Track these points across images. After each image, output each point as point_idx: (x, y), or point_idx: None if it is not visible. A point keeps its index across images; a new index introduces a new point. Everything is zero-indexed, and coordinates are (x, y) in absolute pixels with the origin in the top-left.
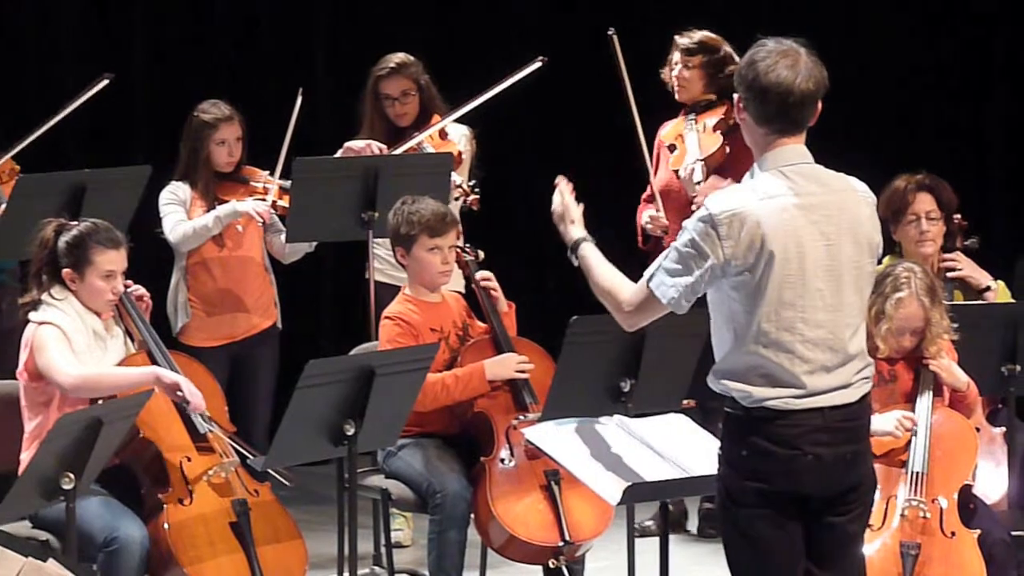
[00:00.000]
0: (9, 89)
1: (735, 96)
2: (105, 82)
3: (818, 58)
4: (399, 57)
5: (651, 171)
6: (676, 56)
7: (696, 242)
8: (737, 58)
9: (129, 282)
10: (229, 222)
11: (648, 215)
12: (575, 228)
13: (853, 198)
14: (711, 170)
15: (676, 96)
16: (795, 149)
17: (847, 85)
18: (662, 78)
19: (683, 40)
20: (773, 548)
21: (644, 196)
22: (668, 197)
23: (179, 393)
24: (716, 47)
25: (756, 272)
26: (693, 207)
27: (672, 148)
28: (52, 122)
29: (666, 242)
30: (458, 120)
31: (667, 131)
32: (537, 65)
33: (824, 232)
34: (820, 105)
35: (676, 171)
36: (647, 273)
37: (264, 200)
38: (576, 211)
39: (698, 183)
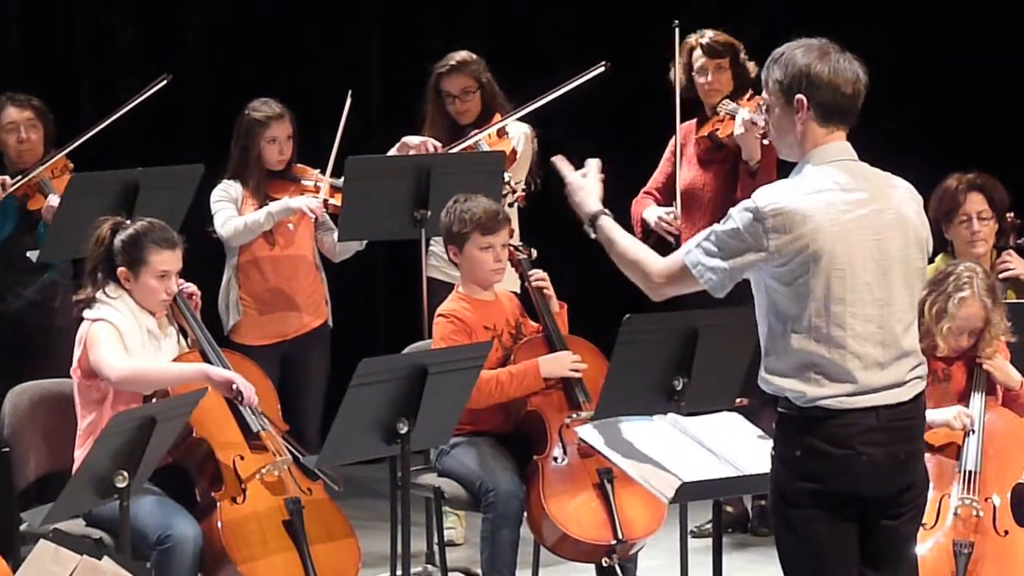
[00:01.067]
0: (64, 87)
1: (797, 96)
2: (164, 82)
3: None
4: (461, 55)
5: (677, 168)
6: (701, 61)
7: (740, 232)
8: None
9: (180, 280)
10: (282, 219)
11: (658, 214)
12: (593, 201)
13: (899, 194)
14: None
15: (705, 99)
16: (840, 145)
17: (898, 84)
18: (668, 77)
19: (705, 40)
20: (828, 549)
21: (644, 189)
22: (691, 197)
23: (233, 387)
24: (736, 45)
25: (803, 266)
26: (750, 161)
27: (711, 136)
28: (109, 120)
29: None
30: (520, 119)
31: (694, 128)
32: (600, 69)
33: (872, 226)
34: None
35: (729, 135)
36: (683, 249)
37: (316, 198)
38: (596, 187)
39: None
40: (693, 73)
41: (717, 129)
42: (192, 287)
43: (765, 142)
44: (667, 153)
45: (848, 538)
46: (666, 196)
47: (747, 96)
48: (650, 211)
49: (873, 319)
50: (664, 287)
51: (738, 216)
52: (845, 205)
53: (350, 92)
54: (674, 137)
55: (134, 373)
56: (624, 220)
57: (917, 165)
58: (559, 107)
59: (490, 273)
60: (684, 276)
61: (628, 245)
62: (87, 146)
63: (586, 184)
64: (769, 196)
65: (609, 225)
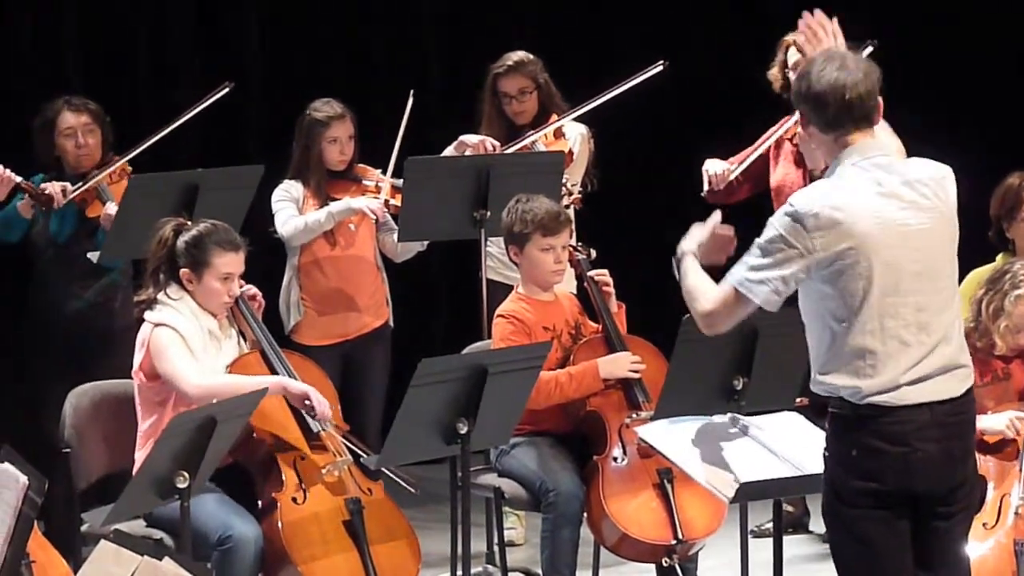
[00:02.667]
0: (121, 90)
1: (798, 111)
2: (226, 90)
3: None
4: (518, 55)
5: (770, 163)
6: (794, 57)
7: (784, 237)
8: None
9: (242, 282)
10: (342, 219)
11: (723, 167)
12: (688, 242)
13: (940, 182)
14: None
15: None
16: (867, 142)
17: (955, 80)
18: (768, 78)
19: (799, 39)
20: (884, 549)
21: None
22: (779, 193)
23: (307, 402)
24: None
25: (849, 263)
26: (813, 170)
27: (793, 138)
28: (172, 127)
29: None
30: (577, 119)
31: (787, 127)
32: (658, 68)
33: (913, 216)
34: (881, 99)
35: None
36: (728, 275)
37: (377, 198)
38: (702, 233)
39: None
40: (787, 70)
41: (797, 132)
42: (254, 289)
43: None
44: (762, 145)
45: (903, 538)
46: (750, 180)
47: None
48: (717, 163)
49: (925, 307)
50: (714, 316)
51: (778, 223)
52: (883, 199)
53: (412, 93)
54: (770, 130)
55: (212, 390)
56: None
57: (978, 163)
58: (619, 104)
59: (551, 274)
60: (736, 300)
61: (692, 279)
62: (146, 148)
63: (695, 229)
64: (806, 198)
65: (688, 265)
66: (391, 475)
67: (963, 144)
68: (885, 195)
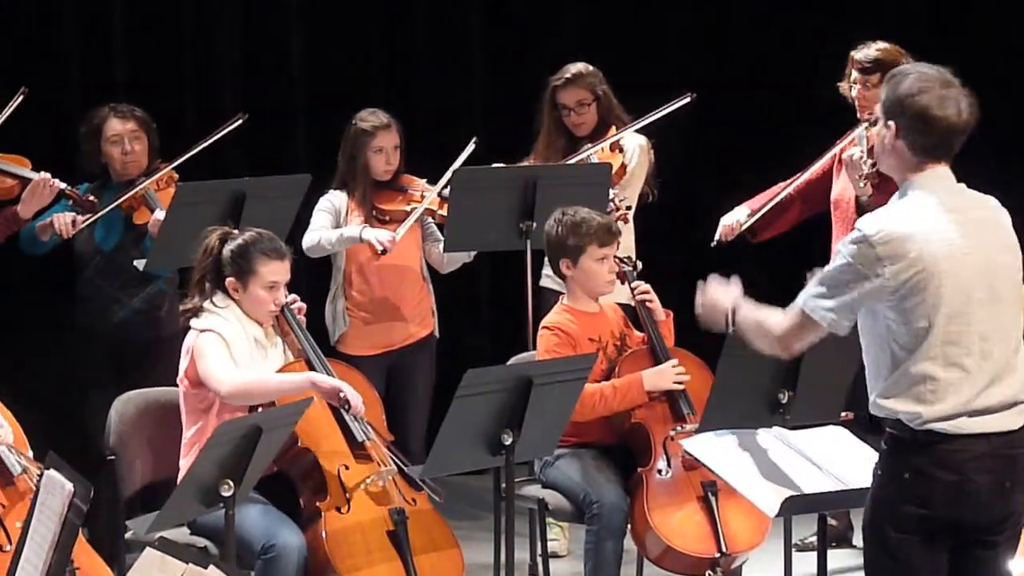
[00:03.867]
0: (167, 97)
1: (890, 122)
2: (239, 121)
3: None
4: (577, 67)
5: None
6: (855, 74)
7: (852, 264)
8: None
9: (294, 296)
10: (351, 245)
11: (736, 218)
12: (726, 296)
13: (997, 212)
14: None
15: (858, 114)
16: (942, 171)
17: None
18: (840, 92)
19: (859, 56)
20: (921, 574)
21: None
22: (837, 207)
23: (341, 395)
24: (894, 61)
25: (916, 289)
26: (861, 197)
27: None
28: (213, 138)
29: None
30: (638, 131)
31: (843, 144)
32: (685, 100)
33: (978, 244)
34: None
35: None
36: (798, 298)
37: (391, 232)
38: (722, 297)
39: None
40: (853, 83)
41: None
42: (300, 303)
43: (862, 183)
44: (824, 161)
45: (941, 566)
46: (806, 197)
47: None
48: (730, 214)
49: (988, 336)
50: (787, 341)
51: (846, 249)
52: (951, 225)
53: (474, 140)
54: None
55: (243, 387)
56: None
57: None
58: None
59: (605, 284)
60: (805, 324)
61: (755, 320)
62: (193, 156)
63: (709, 295)
64: (876, 223)
65: (742, 313)
66: (418, 482)
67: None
68: (953, 222)
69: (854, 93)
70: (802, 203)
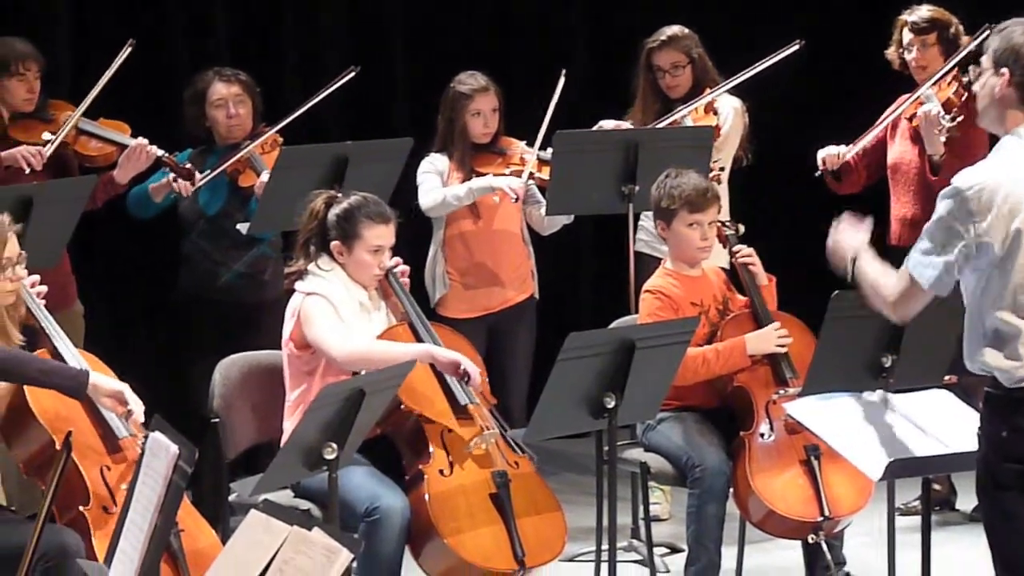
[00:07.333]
0: (270, 60)
1: (1002, 69)
2: (352, 74)
3: None
4: (672, 29)
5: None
6: (907, 37)
7: (947, 219)
8: (961, 28)
9: (397, 259)
10: (482, 195)
11: (837, 150)
12: (852, 241)
13: None
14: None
15: (915, 76)
16: None
17: None
18: (887, 57)
19: (913, 18)
20: None
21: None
22: (896, 171)
23: (461, 369)
24: (947, 22)
25: (1011, 243)
26: (934, 156)
27: (911, 118)
28: (316, 99)
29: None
30: (730, 93)
31: (905, 107)
32: (795, 47)
33: None
34: None
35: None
36: (906, 260)
37: (519, 176)
38: (850, 239)
39: (942, 119)
40: (902, 50)
41: (915, 113)
42: (401, 264)
43: (941, 138)
44: (878, 129)
45: None
46: (866, 162)
47: (951, 78)
48: (831, 149)
49: None
50: (899, 306)
51: (942, 205)
52: None
53: (564, 72)
54: (887, 111)
55: (361, 354)
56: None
57: None
58: (762, 81)
59: (697, 251)
60: (913, 287)
61: (873, 276)
62: (296, 120)
63: (839, 235)
64: (970, 177)
65: (862, 262)
66: (512, 442)
67: None
68: None
69: (910, 56)
70: (864, 169)
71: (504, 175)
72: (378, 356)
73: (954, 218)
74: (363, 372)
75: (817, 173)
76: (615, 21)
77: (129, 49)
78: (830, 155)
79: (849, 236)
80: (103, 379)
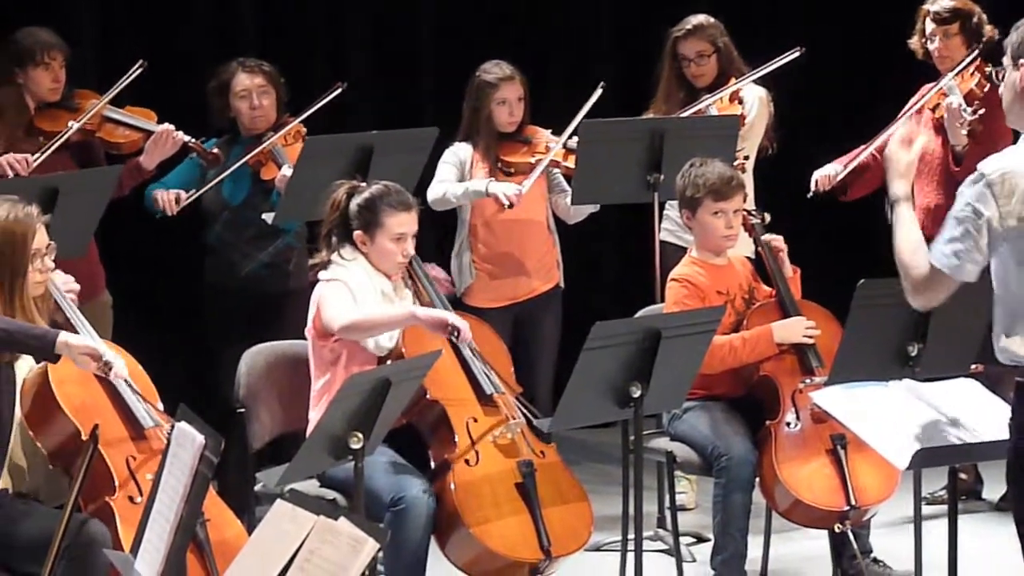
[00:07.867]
0: (295, 51)
1: (1020, 61)
2: (338, 91)
3: None
4: (698, 18)
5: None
6: (930, 27)
7: (972, 204)
8: (984, 17)
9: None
10: (477, 199)
11: (833, 169)
12: (898, 184)
13: None
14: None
15: (938, 66)
16: None
17: None
18: (910, 47)
19: (935, 8)
20: None
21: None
22: (922, 161)
23: (447, 325)
24: (970, 12)
25: None
26: (957, 147)
27: (934, 108)
28: (333, 94)
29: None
30: (757, 82)
31: (928, 97)
32: (795, 55)
33: None
34: None
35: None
36: (930, 249)
37: (521, 185)
38: (903, 165)
39: (963, 112)
40: (925, 40)
41: (939, 103)
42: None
43: (963, 131)
44: (904, 113)
45: None
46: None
47: (973, 68)
48: (832, 167)
49: None
50: (920, 294)
51: (967, 191)
52: None
53: (601, 85)
54: (913, 99)
55: (352, 322)
56: None
57: None
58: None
59: (722, 239)
60: (936, 276)
61: (904, 243)
62: (319, 111)
63: (899, 165)
64: (995, 163)
65: (899, 215)
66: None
67: None
68: None
69: (933, 46)
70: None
71: (529, 163)
72: (366, 321)
73: (978, 202)
74: (370, 343)
75: (809, 195)
76: (640, 10)
77: (139, 70)
78: (823, 176)
79: (901, 161)
80: (74, 337)
